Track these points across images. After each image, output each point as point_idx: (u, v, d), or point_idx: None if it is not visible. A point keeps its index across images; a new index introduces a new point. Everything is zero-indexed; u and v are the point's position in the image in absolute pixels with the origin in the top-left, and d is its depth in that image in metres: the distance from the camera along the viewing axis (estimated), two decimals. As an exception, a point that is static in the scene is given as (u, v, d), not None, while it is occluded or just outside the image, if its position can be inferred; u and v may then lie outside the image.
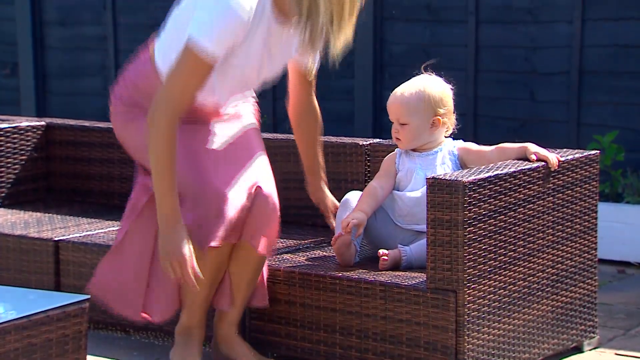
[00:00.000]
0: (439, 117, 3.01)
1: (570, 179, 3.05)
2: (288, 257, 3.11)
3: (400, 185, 3.05)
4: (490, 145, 3.09)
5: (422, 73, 3.07)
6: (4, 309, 2.36)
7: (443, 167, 3.01)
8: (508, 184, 2.83)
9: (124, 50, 6.41)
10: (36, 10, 6.63)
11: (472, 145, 3.07)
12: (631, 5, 4.96)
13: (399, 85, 3.12)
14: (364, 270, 2.95)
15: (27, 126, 4.05)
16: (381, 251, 2.94)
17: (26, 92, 6.67)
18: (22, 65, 6.68)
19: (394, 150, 3.12)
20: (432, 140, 3.04)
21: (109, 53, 6.44)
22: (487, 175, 2.78)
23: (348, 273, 2.92)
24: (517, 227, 2.87)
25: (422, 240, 2.93)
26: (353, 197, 3.09)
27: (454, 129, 3.08)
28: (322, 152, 3.18)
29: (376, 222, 3.05)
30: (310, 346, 2.98)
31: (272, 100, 5.43)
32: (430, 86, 3.01)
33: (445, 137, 3.07)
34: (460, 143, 3.08)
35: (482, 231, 2.76)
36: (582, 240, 3.12)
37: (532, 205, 2.92)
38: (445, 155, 3.04)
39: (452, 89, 3.06)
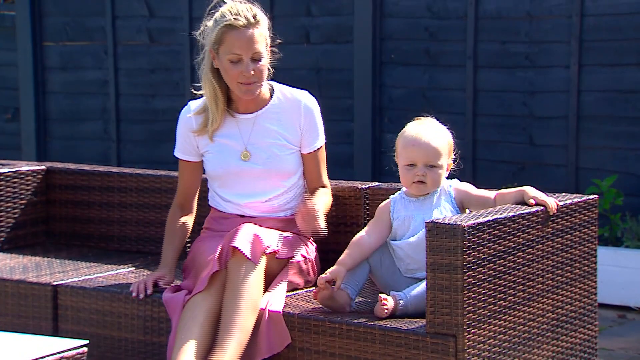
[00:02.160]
0: (450, 161, 3.06)
1: (569, 223, 3.05)
2: (287, 301, 3.10)
3: (397, 235, 3.04)
4: (489, 188, 3.09)
5: (423, 116, 3.10)
6: (2, 355, 2.35)
7: (439, 209, 3.00)
8: (507, 228, 2.84)
9: (125, 94, 6.45)
10: (38, 55, 6.67)
11: (470, 188, 3.06)
12: (627, 52, 4.99)
13: (398, 128, 3.12)
14: (363, 315, 2.94)
15: (28, 170, 4.06)
16: (383, 295, 2.92)
17: (27, 136, 6.70)
18: (24, 110, 6.71)
19: (393, 194, 3.12)
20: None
21: (110, 97, 6.47)
22: (486, 219, 2.78)
23: (347, 317, 2.91)
24: (516, 272, 2.87)
25: (419, 285, 2.92)
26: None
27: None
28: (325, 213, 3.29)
29: (382, 270, 3.04)
30: (310, 391, 2.96)
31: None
32: (446, 130, 3.07)
33: None
34: (455, 183, 3.07)
35: (481, 275, 2.76)
36: (581, 284, 3.11)
37: (531, 249, 2.92)
38: (441, 197, 3.03)
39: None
